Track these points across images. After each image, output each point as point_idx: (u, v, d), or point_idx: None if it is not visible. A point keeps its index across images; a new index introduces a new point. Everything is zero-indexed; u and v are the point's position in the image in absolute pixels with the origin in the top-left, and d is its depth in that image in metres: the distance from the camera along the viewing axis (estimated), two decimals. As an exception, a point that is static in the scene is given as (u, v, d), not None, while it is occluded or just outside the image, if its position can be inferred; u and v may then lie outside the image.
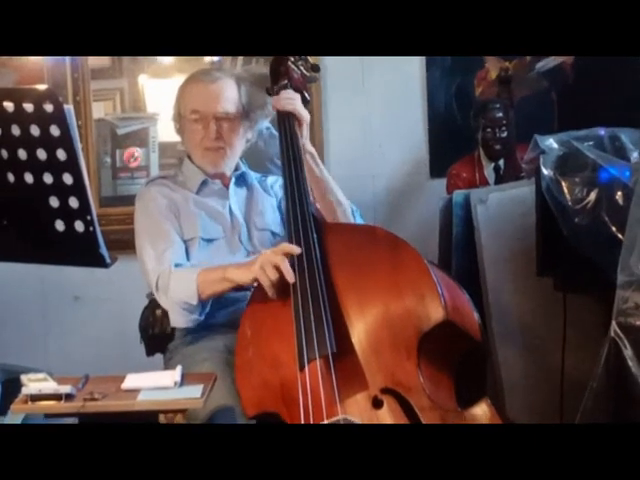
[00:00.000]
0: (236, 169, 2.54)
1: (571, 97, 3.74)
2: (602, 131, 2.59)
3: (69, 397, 1.89)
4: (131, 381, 1.97)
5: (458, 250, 2.94)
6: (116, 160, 3.73)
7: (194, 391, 1.92)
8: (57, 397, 1.88)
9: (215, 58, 3.63)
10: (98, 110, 3.72)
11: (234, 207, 2.50)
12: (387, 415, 1.97)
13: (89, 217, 1.79)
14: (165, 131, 3.62)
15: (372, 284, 2.09)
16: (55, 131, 1.73)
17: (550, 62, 3.76)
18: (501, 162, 3.47)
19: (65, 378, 1.96)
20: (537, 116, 3.69)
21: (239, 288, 2.25)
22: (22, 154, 1.77)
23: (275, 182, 2.60)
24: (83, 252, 1.83)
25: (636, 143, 2.55)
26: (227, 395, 2.11)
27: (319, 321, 2.02)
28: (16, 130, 1.76)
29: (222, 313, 2.37)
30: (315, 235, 2.17)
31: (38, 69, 3.62)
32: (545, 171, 2.51)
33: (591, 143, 2.55)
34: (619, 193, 2.40)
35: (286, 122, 2.38)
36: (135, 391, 1.93)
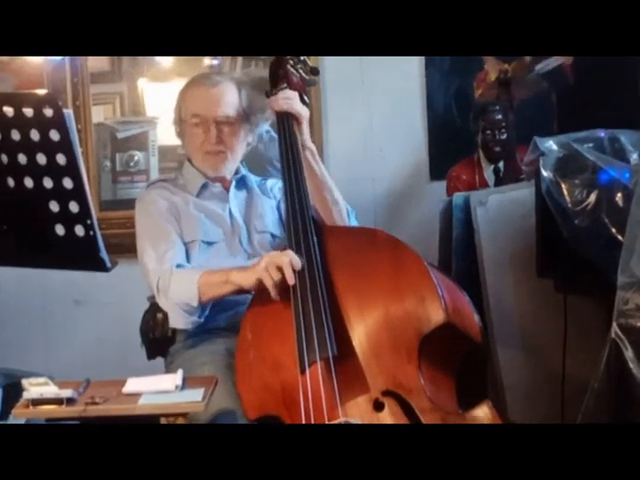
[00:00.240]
0: (236, 172, 2.55)
1: (571, 99, 3.73)
2: (602, 133, 2.59)
3: (70, 401, 1.89)
4: (132, 385, 1.97)
5: (458, 252, 2.94)
6: (116, 164, 3.73)
7: (195, 395, 1.92)
8: (58, 401, 1.88)
9: (214, 61, 3.63)
10: (98, 114, 3.72)
11: (234, 210, 2.50)
12: (388, 417, 1.98)
13: (89, 221, 1.79)
14: (165, 135, 3.63)
15: (372, 287, 2.10)
16: (55, 136, 1.73)
17: (550, 64, 3.75)
18: (501, 164, 3.47)
19: (66, 382, 1.96)
20: (537, 118, 3.68)
21: (240, 292, 2.25)
22: (22, 159, 1.78)
23: (275, 184, 2.60)
24: (83, 256, 1.84)
25: (636, 145, 2.55)
26: (228, 398, 2.11)
27: (320, 324, 2.02)
28: (16, 135, 1.76)
29: (223, 316, 2.37)
30: (315, 238, 2.18)
31: (38, 73, 3.62)
32: (545, 173, 2.51)
33: (591, 145, 2.55)
34: (619, 195, 2.40)
35: (285, 123, 2.38)
36: (136, 395, 1.93)
